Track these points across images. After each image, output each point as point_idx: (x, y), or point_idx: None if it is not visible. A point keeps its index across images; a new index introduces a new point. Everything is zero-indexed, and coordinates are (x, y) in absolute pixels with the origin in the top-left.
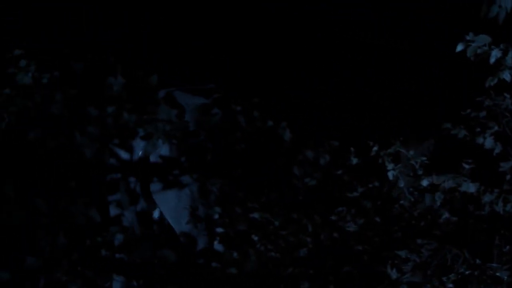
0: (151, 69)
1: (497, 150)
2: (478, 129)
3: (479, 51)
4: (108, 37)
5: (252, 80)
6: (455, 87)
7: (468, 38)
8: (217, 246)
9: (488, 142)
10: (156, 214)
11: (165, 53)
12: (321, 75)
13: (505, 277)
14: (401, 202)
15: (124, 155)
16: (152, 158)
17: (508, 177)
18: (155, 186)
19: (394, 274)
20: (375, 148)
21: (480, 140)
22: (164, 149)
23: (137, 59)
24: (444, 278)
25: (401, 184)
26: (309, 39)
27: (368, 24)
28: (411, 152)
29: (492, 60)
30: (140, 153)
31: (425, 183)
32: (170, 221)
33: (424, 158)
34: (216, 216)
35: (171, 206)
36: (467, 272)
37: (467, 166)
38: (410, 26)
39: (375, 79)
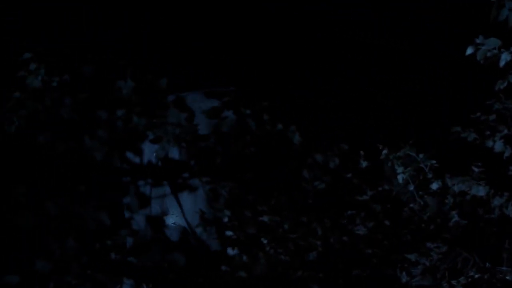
0: (156, 69)
1: (507, 154)
2: (488, 133)
3: (489, 54)
4: (108, 37)
5: (255, 79)
6: (459, 87)
7: (477, 41)
8: (227, 249)
9: (498, 146)
10: (170, 220)
11: (165, 53)
12: (325, 75)
13: None
14: (411, 205)
15: (134, 158)
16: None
17: None
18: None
19: (403, 278)
20: (384, 151)
21: (489, 143)
22: (174, 152)
23: (137, 59)
24: (454, 282)
25: (411, 187)
26: (310, 39)
27: (368, 24)
28: (421, 155)
29: (502, 63)
30: (154, 155)
31: (434, 186)
32: (186, 225)
33: (433, 161)
34: (226, 220)
35: (187, 209)
36: (477, 276)
37: (476, 169)
38: (410, 26)
39: (379, 79)
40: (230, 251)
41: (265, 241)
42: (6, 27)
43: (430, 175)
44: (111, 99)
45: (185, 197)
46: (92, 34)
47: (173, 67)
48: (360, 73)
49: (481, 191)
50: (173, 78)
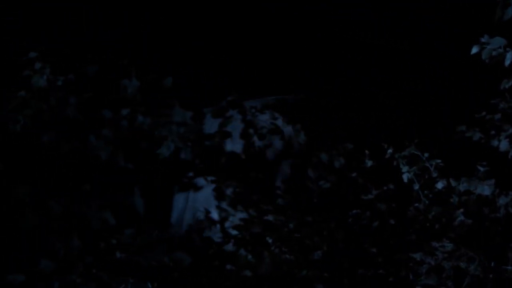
0: (157, 69)
1: None
2: (493, 132)
3: (494, 53)
4: (108, 37)
5: (256, 80)
6: (460, 87)
7: (483, 40)
8: (232, 248)
9: (503, 145)
10: (214, 215)
11: (165, 53)
12: (325, 75)
13: None
14: (416, 204)
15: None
16: None
17: None
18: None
19: (409, 277)
20: (389, 151)
21: (494, 142)
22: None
23: (138, 59)
24: (459, 281)
25: (416, 186)
26: (310, 39)
27: (368, 24)
28: (426, 155)
29: (507, 62)
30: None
31: (439, 185)
32: None
33: (439, 161)
34: (231, 219)
35: None
36: (482, 275)
37: (481, 169)
38: (410, 26)
39: (380, 78)
40: (235, 250)
41: (270, 240)
42: (6, 27)
43: (435, 174)
44: (116, 98)
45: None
46: (92, 34)
47: (173, 67)
48: (360, 73)
49: (486, 190)
50: (174, 78)
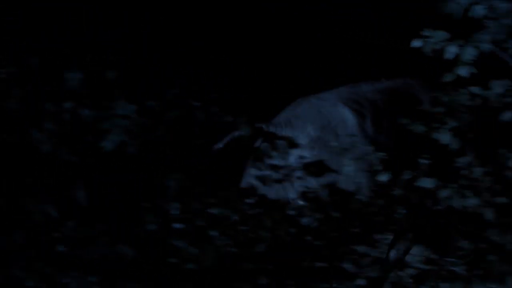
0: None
1: (454, 146)
2: (437, 125)
3: (436, 47)
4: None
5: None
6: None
7: (425, 33)
8: (176, 241)
9: (444, 137)
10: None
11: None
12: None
13: (462, 272)
14: (359, 197)
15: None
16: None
17: (464, 172)
18: None
19: (352, 269)
20: (334, 143)
21: (437, 135)
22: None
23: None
24: (402, 273)
25: (359, 179)
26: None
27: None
28: (370, 147)
29: (448, 55)
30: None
31: (383, 178)
32: None
33: (382, 154)
34: (174, 212)
35: None
36: (424, 267)
37: (424, 162)
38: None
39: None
40: (179, 243)
41: (214, 233)
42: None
43: (379, 167)
44: (59, 91)
45: None
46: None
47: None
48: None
49: (428, 183)
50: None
